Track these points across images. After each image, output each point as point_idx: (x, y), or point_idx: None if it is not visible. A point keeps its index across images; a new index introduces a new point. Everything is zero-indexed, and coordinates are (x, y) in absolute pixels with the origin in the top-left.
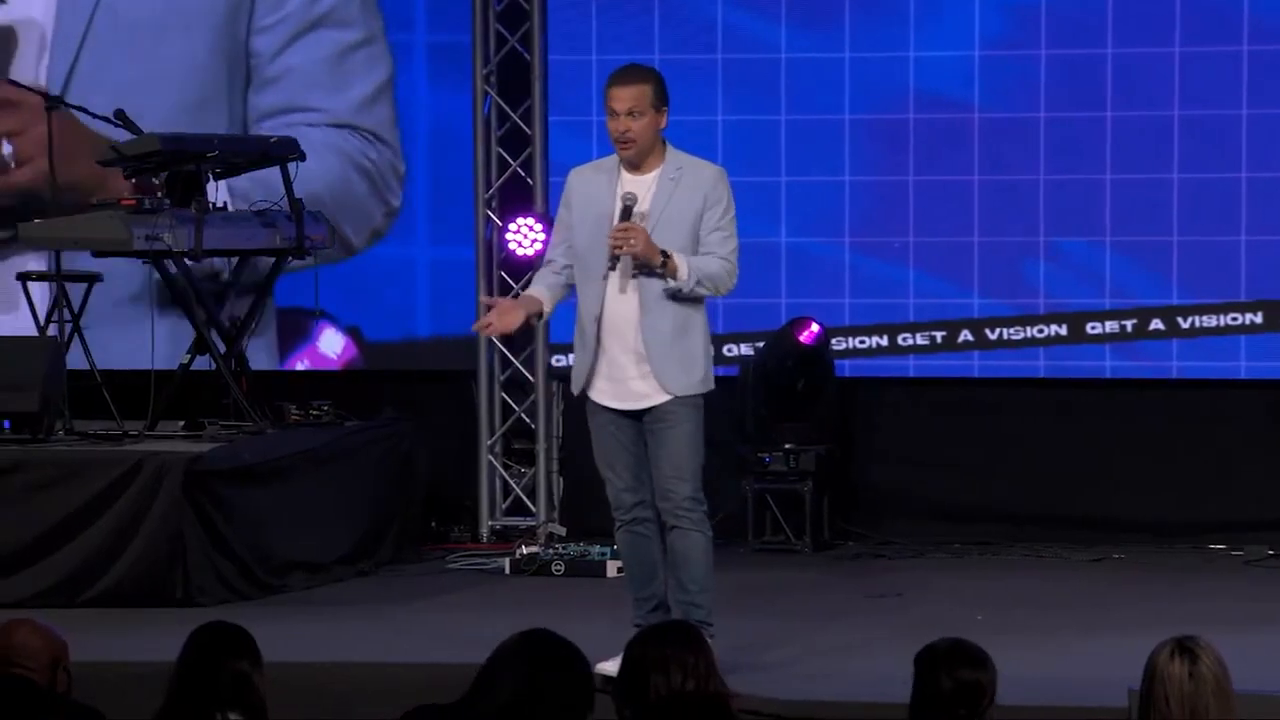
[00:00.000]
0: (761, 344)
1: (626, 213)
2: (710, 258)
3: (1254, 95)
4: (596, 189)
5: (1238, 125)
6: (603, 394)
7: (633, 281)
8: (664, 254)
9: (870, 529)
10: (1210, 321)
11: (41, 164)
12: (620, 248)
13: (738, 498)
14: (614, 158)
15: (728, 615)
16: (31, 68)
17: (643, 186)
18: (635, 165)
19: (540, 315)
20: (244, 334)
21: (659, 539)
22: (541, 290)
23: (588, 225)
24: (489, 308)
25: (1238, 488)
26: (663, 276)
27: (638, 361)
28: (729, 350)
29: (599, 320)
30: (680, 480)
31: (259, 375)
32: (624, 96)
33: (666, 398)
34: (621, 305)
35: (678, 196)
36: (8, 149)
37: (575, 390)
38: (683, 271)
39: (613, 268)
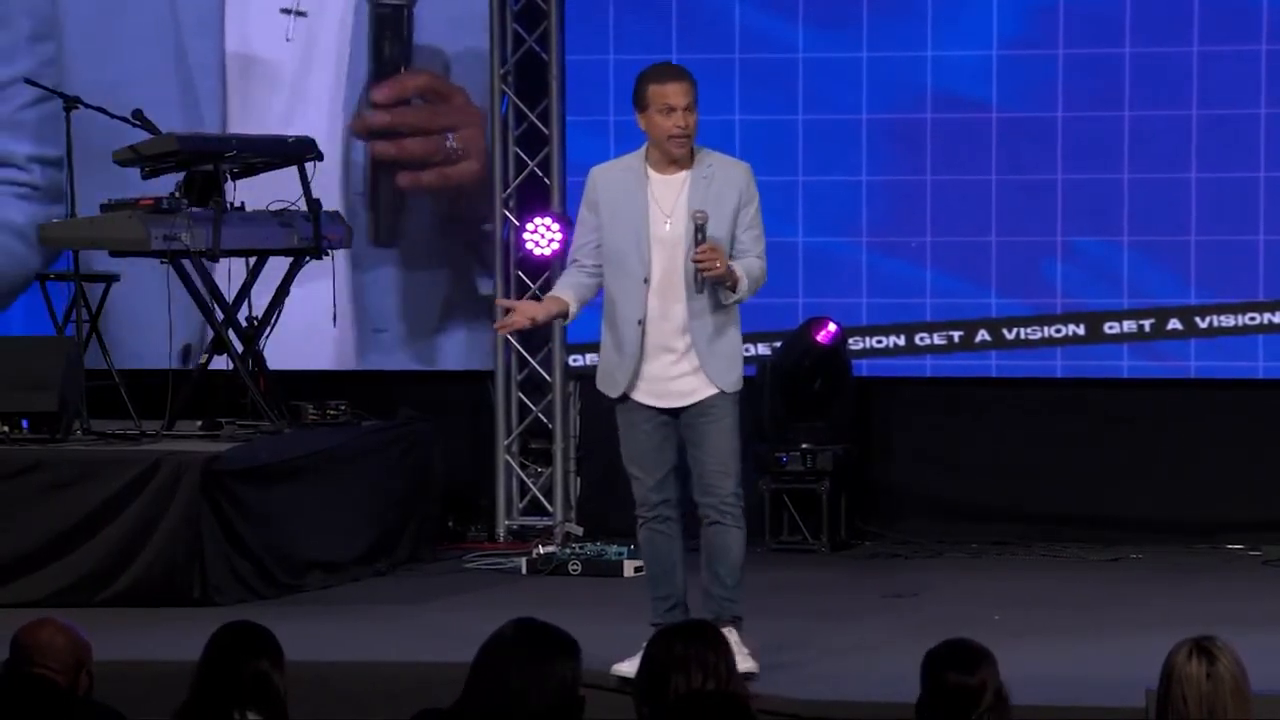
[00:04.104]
0: (779, 344)
1: (700, 232)
2: (750, 260)
3: (1272, 94)
4: (625, 189)
5: (1256, 124)
6: (643, 393)
7: (672, 283)
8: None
9: (887, 529)
10: (1228, 321)
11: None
12: (707, 270)
13: (755, 497)
14: (636, 157)
15: (745, 615)
16: None
17: (673, 187)
18: (672, 163)
19: (565, 316)
20: (262, 334)
21: (680, 539)
22: (567, 291)
23: (620, 226)
24: (506, 310)
25: (1256, 487)
26: (730, 289)
27: (678, 360)
28: (746, 350)
29: (642, 323)
30: (725, 475)
31: (276, 375)
32: (683, 92)
33: (712, 392)
34: (665, 306)
35: (713, 195)
36: (451, 141)
37: (614, 394)
38: (742, 283)
39: (700, 289)
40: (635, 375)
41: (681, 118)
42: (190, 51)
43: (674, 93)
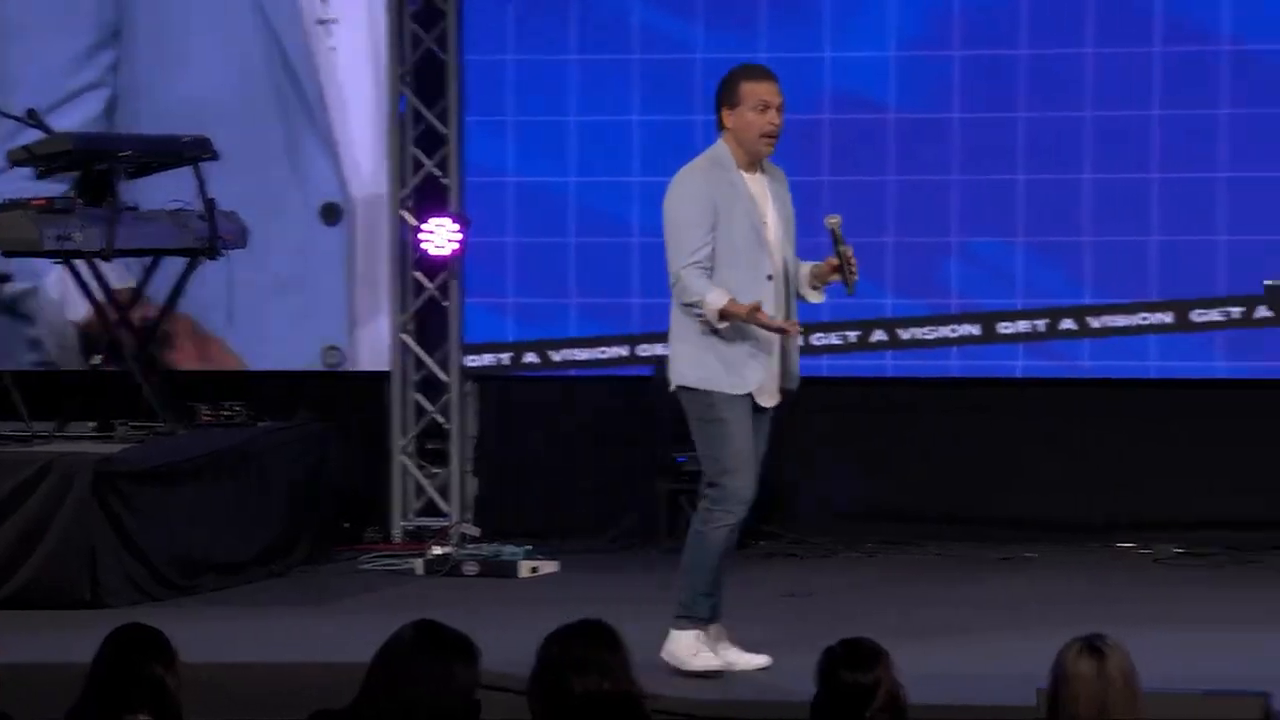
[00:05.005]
0: None
1: (837, 237)
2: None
3: (1165, 96)
4: (730, 189)
5: (1148, 126)
6: (760, 391)
7: (777, 284)
8: None
9: (783, 529)
10: (1121, 321)
11: None
12: (855, 275)
13: (651, 498)
14: (717, 159)
15: (640, 617)
16: None
17: (760, 187)
18: (752, 164)
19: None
20: (155, 334)
21: None
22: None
23: (739, 225)
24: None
25: (1147, 487)
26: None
27: (778, 360)
28: (644, 350)
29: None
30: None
31: (171, 375)
32: (777, 91)
33: (781, 394)
34: (779, 308)
35: (785, 199)
36: None
37: (740, 390)
38: None
39: (851, 292)
40: (766, 371)
41: (775, 115)
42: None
43: (769, 91)
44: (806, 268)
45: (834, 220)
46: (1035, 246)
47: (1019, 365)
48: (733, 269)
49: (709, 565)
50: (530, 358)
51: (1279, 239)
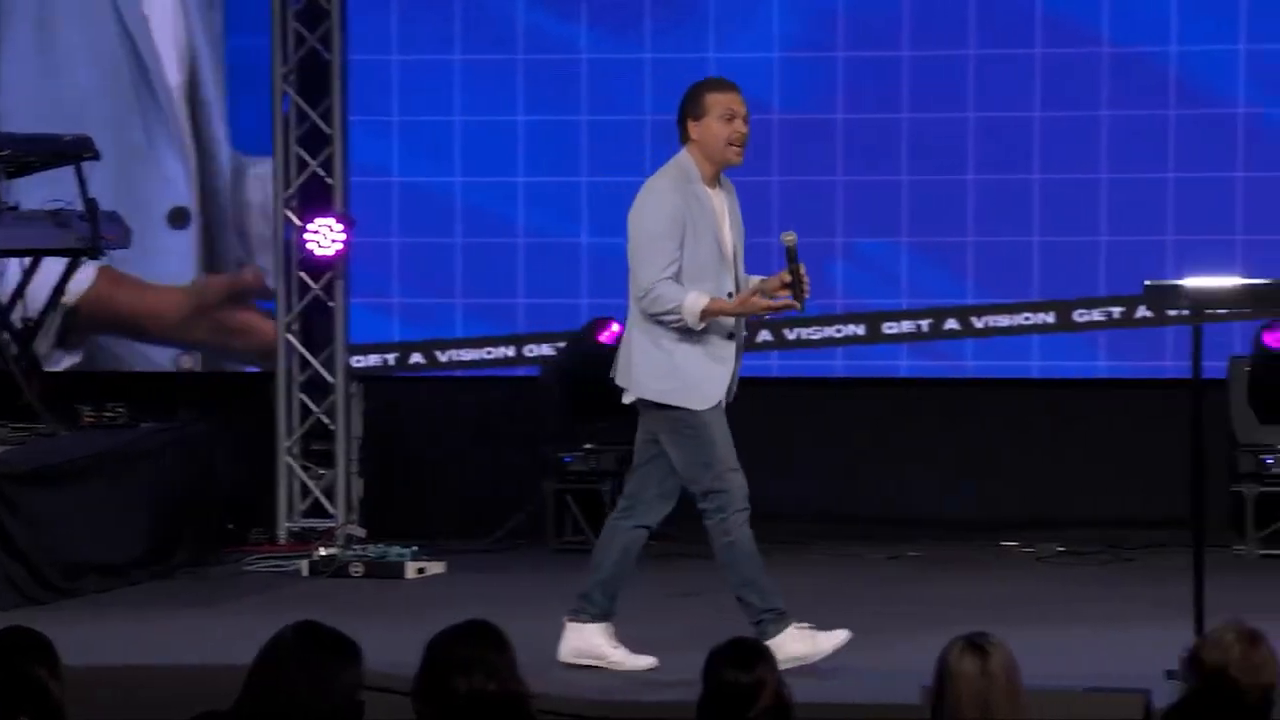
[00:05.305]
0: (563, 344)
1: (792, 254)
2: None
3: (1046, 98)
4: (697, 203)
5: (1030, 128)
6: (723, 398)
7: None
8: None
9: (672, 528)
10: (1004, 321)
11: None
12: (807, 293)
13: (538, 498)
14: (682, 172)
15: (527, 617)
16: None
17: (720, 201)
18: (713, 178)
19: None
20: (36, 335)
21: None
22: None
23: (705, 242)
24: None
25: (1031, 485)
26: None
27: (734, 366)
28: (530, 350)
29: (733, 336)
30: None
31: (52, 376)
32: (742, 100)
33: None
34: (737, 322)
35: (736, 212)
36: None
37: (705, 406)
38: None
39: (801, 308)
40: (728, 377)
41: (742, 125)
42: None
43: (735, 100)
44: (754, 282)
45: (790, 237)
46: (919, 247)
47: (904, 365)
48: (699, 285)
49: (754, 563)
50: (416, 358)
51: (1159, 239)
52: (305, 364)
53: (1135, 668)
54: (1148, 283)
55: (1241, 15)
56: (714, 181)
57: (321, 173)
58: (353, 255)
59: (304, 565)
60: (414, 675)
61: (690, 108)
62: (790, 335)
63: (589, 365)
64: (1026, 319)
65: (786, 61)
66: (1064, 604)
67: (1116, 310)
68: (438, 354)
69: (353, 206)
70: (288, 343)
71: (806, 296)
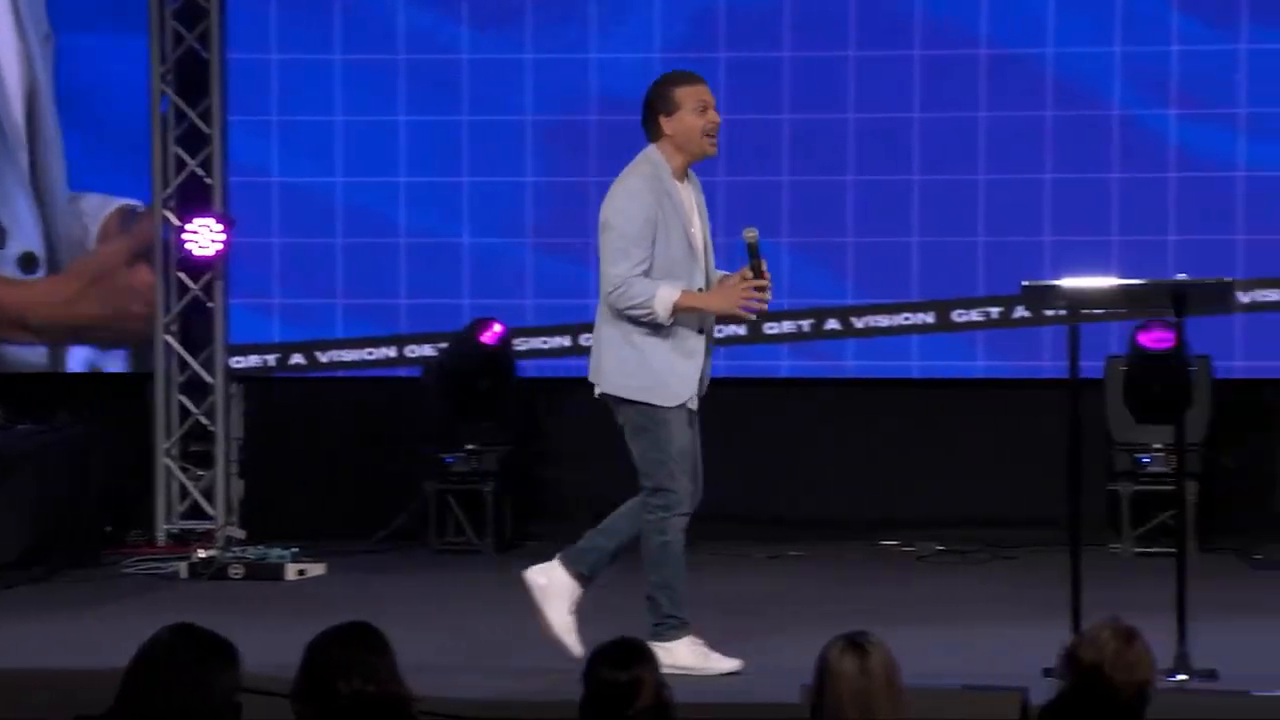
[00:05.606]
0: (445, 344)
1: (753, 250)
2: None
3: (926, 99)
4: (668, 200)
5: (909, 128)
6: (692, 398)
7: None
8: None
9: (553, 529)
10: (884, 321)
11: None
12: (769, 290)
13: (420, 499)
14: (653, 167)
15: (407, 618)
16: None
17: (688, 195)
18: (683, 172)
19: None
20: None
21: None
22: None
23: (675, 239)
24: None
25: (910, 485)
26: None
27: (703, 363)
28: (411, 351)
29: (704, 331)
30: None
31: None
32: (709, 92)
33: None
34: (707, 318)
35: (703, 207)
36: None
37: (673, 403)
38: None
39: (764, 306)
40: (697, 375)
41: (715, 114)
42: None
43: (705, 92)
44: (718, 278)
45: (751, 234)
46: (800, 247)
47: (784, 365)
48: (673, 280)
49: (680, 569)
50: (297, 359)
51: (1037, 240)
52: (184, 365)
53: (1013, 666)
54: (1025, 283)
55: (1117, 18)
56: (683, 176)
57: (200, 172)
58: (232, 255)
59: (183, 567)
60: (294, 677)
61: (660, 104)
62: None
63: (470, 365)
64: (906, 319)
65: (668, 62)
66: (943, 603)
67: (995, 310)
68: (319, 355)
69: (232, 206)
70: (166, 344)
71: (769, 291)
